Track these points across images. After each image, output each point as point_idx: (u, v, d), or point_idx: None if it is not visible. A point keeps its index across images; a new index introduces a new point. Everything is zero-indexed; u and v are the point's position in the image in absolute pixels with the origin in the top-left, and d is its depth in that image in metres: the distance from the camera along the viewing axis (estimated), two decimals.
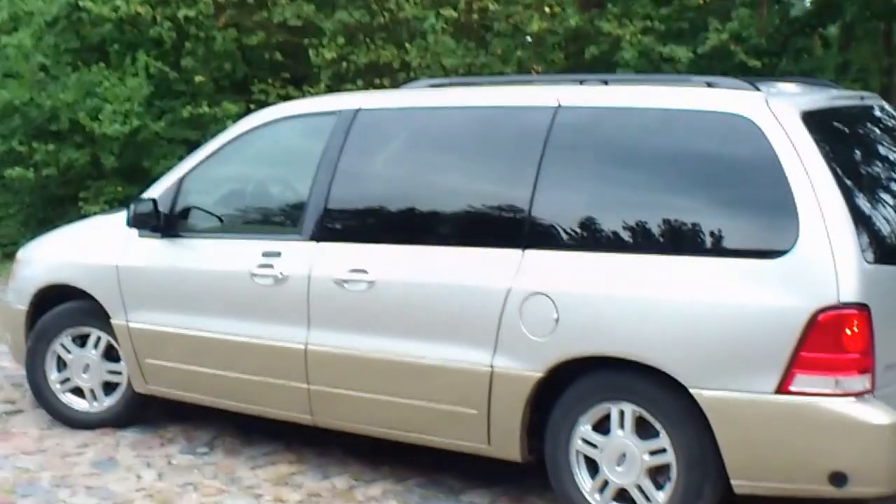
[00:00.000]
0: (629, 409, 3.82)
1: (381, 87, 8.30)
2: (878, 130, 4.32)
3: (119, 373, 5.17)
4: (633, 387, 3.81)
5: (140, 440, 5.07)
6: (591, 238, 3.94)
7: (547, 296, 3.91)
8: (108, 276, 5.03)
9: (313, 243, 4.50)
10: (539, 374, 3.93)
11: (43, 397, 5.30)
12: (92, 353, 5.22)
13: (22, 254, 5.70)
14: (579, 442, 3.93)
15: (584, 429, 3.91)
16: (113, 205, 8.36)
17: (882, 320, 3.51)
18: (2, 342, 6.16)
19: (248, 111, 8.35)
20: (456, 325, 4.10)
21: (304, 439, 4.85)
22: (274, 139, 4.99)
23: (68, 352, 5.24)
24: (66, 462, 4.81)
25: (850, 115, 4.25)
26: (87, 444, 5.02)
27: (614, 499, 3.88)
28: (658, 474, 3.80)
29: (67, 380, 5.26)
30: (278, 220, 4.95)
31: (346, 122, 4.59)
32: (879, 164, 4.17)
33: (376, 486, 4.50)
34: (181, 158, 8.11)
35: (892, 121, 4.37)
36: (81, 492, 4.47)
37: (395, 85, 7.60)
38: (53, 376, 5.27)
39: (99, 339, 5.19)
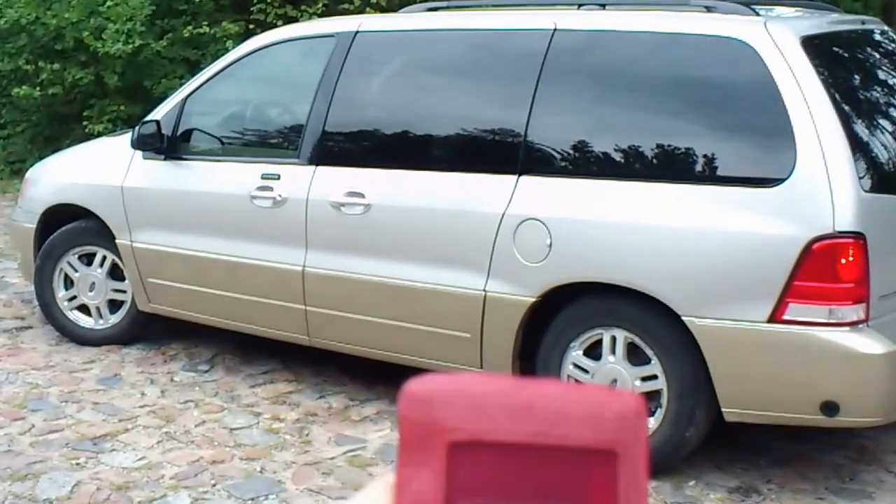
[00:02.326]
0: (621, 336, 3.60)
1: (379, 6, 7.90)
2: (878, 55, 4.01)
3: (124, 291, 4.98)
4: (626, 313, 3.58)
5: (144, 357, 4.91)
6: (585, 164, 3.72)
7: (541, 221, 3.66)
8: (113, 197, 4.82)
9: (311, 167, 4.27)
10: (532, 299, 3.70)
11: (51, 314, 5.12)
12: (98, 272, 5.03)
13: (30, 174, 5.49)
14: (570, 367, 3.71)
15: (576, 354, 3.70)
16: (116, 123, 8.13)
17: (878, 250, 3.26)
18: (11, 259, 5.99)
19: (247, 30, 8.02)
20: (450, 249, 3.88)
21: (301, 359, 4.68)
22: (273, 62, 4.76)
23: (75, 270, 5.05)
24: (74, 378, 4.66)
25: (851, 39, 3.95)
26: (94, 361, 4.86)
27: None
28: (649, 400, 3.58)
29: (74, 297, 5.07)
30: (277, 143, 4.75)
31: (345, 45, 4.34)
32: (879, 91, 3.88)
33: (371, 405, 4.33)
34: (181, 78, 7.89)
35: (893, 45, 4.04)
36: (88, 407, 4.34)
37: (394, 5, 7.23)
38: (61, 294, 5.09)
39: (104, 258, 5.00)
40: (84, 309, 5.07)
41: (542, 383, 0.37)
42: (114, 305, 5.03)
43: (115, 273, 4.99)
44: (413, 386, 0.37)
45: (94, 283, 5.03)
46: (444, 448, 0.36)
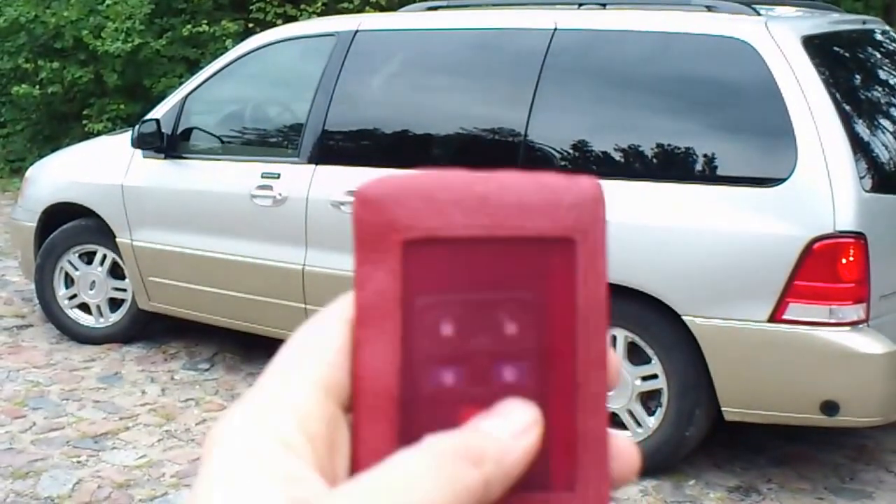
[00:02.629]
0: (621, 335, 3.58)
1: (379, 5, 7.88)
2: (878, 55, 4.00)
3: (124, 290, 4.96)
4: (626, 313, 3.56)
5: (144, 355, 4.90)
6: (585, 163, 3.71)
7: None
8: (113, 196, 4.80)
9: (311, 165, 4.25)
10: None
11: (51, 312, 5.10)
12: (98, 271, 5.01)
13: (30, 172, 5.47)
14: None
15: None
16: (116, 122, 8.11)
17: (878, 250, 3.25)
18: (12, 258, 5.97)
19: (246, 29, 8.00)
20: None
21: None
22: (273, 61, 4.75)
23: (75, 269, 5.03)
24: (74, 376, 4.65)
25: (851, 39, 3.93)
26: (94, 359, 4.84)
27: None
28: (649, 400, 3.58)
29: (75, 296, 5.05)
30: (277, 142, 4.73)
31: (345, 44, 4.32)
32: (880, 90, 3.86)
33: None
34: (181, 77, 7.87)
35: (894, 45, 4.03)
36: (89, 405, 4.32)
37: (394, 4, 7.21)
38: (61, 292, 5.07)
39: (105, 256, 4.98)
40: (84, 307, 5.05)
41: (496, 175, 0.36)
42: (114, 304, 5.01)
43: (116, 272, 4.97)
44: (366, 187, 0.36)
45: (94, 282, 5.02)
46: (399, 247, 0.35)
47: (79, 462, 3.76)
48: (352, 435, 0.35)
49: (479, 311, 0.35)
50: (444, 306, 0.35)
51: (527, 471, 0.34)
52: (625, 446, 0.36)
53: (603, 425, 0.35)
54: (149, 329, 5.04)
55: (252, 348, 4.83)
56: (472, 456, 0.33)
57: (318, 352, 0.35)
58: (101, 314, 5.03)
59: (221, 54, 5.28)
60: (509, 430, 0.34)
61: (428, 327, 0.35)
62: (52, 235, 5.05)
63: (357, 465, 0.34)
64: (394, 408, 0.34)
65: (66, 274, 5.05)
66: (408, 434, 0.34)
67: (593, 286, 0.35)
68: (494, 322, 0.35)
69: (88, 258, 5.02)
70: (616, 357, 0.37)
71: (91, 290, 5.02)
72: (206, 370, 4.73)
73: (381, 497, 0.31)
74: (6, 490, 3.52)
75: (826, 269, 3.20)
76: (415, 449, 0.33)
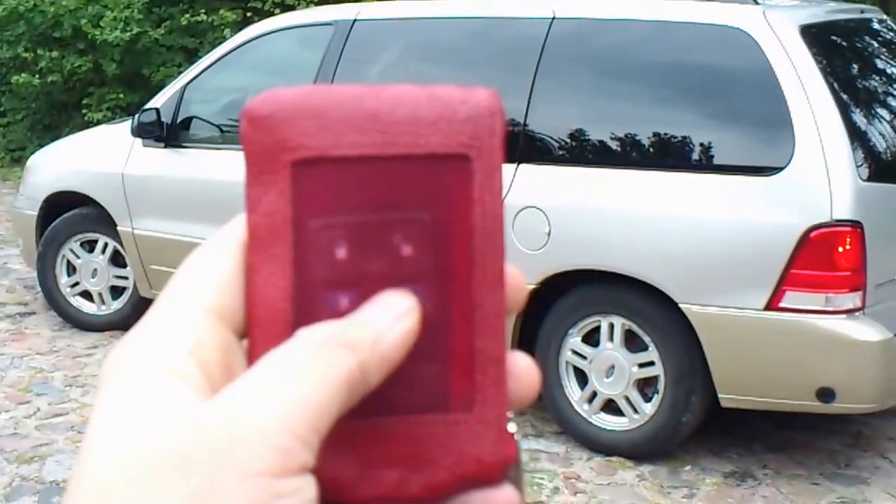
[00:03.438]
0: (619, 323, 3.58)
1: None
2: (876, 44, 3.98)
3: (126, 278, 4.96)
4: (624, 300, 3.56)
5: None
6: (584, 152, 3.70)
7: (540, 209, 3.63)
8: (114, 184, 4.79)
9: None
10: (531, 286, 3.68)
11: (54, 300, 5.09)
12: (99, 259, 5.00)
13: (31, 161, 5.46)
14: (569, 353, 3.70)
15: (574, 340, 3.68)
16: (115, 111, 8.08)
17: (875, 238, 3.24)
18: (14, 246, 5.96)
19: (244, 19, 7.96)
20: None
21: None
22: (272, 50, 4.73)
23: (77, 257, 5.03)
24: (77, 362, 4.65)
25: (849, 28, 3.91)
26: (97, 346, 4.85)
27: (602, 409, 3.68)
28: (646, 386, 3.58)
29: (77, 283, 5.05)
30: None
31: (343, 33, 4.30)
32: (877, 79, 3.85)
33: None
34: (179, 66, 7.84)
35: (891, 34, 4.01)
36: (92, 391, 4.33)
37: None
38: (63, 280, 5.06)
39: (106, 244, 4.97)
40: (86, 295, 5.04)
41: (389, 88, 0.35)
42: (116, 292, 5.01)
43: (117, 260, 4.96)
44: (253, 104, 0.34)
45: (96, 270, 5.01)
46: (289, 167, 0.34)
47: None
48: (247, 360, 0.34)
49: (373, 232, 0.34)
50: (337, 228, 0.34)
51: (425, 393, 0.34)
52: (524, 367, 0.35)
53: (501, 346, 0.34)
54: None
55: None
56: (346, 342, 0.32)
57: (209, 277, 0.34)
58: (102, 302, 5.03)
59: (220, 43, 5.26)
60: (384, 316, 0.33)
61: (321, 250, 0.34)
62: (53, 224, 5.04)
63: None
64: (289, 332, 0.33)
65: (68, 262, 5.04)
66: None
67: (490, 204, 0.34)
68: (389, 244, 0.34)
69: (90, 246, 5.01)
70: (519, 276, 0.35)
71: (93, 277, 5.02)
72: None
73: (259, 394, 0.31)
74: (12, 474, 3.52)
75: (823, 257, 3.20)
76: (290, 342, 0.32)
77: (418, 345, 0.34)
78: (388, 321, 0.33)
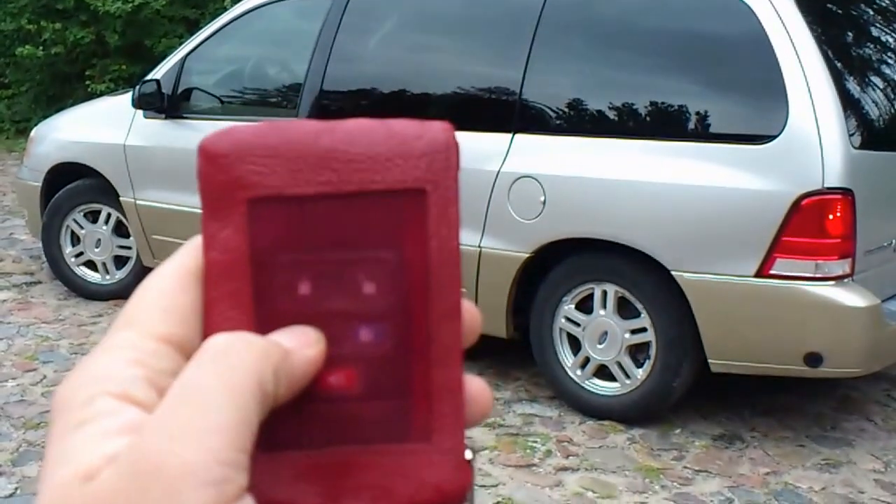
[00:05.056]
0: (612, 290, 3.59)
1: None
2: (871, 12, 3.93)
3: (129, 248, 4.98)
4: (617, 268, 3.57)
5: None
6: (579, 122, 3.68)
7: (535, 179, 3.63)
8: (116, 155, 4.79)
9: None
10: (525, 255, 3.69)
11: (59, 270, 5.12)
12: (103, 229, 5.02)
13: (35, 132, 5.45)
14: (563, 320, 3.71)
15: (568, 308, 3.69)
16: (118, 83, 8.07)
17: (865, 205, 3.23)
18: (19, 217, 5.98)
19: None
20: None
21: None
22: (271, 20, 4.69)
23: (81, 227, 5.05)
24: (83, 331, 4.68)
25: None
26: (102, 315, 4.87)
27: (595, 374, 3.70)
28: (638, 352, 3.60)
29: (81, 253, 5.07)
30: (276, 100, 4.70)
31: (342, 2, 4.28)
32: (871, 48, 3.81)
33: None
34: (181, 37, 7.81)
35: (886, 2, 3.96)
36: None
37: None
38: (68, 250, 5.08)
39: (109, 215, 4.99)
40: (91, 265, 5.07)
41: (344, 124, 0.35)
42: (120, 261, 5.03)
43: (120, 230, 4.98)
44: (209, 141, 0.34)
45: (99, 240, 5.03)
46: (245, 205, 0.34)
47: None
48: None
49: (330, 269, 0.34)
50: (294, 265, 0.34)
51: (385, 423, 0.34)
52: (479, 392, 0.36)
53: (458, 376, 0.35)
54: None
55: None
56: (257, 348, 0.32)
57: (160, 307, 0.34)
58: (107, 271, 5.05)
59: (221, 14, 5.23)
60: (294, 341, 0.33)
61: (280, 287, 0.34)
62: (57, 195, 5.05)
63: None
64: None
65: (72, 232, 5.06)
66: None
67: (445, 237, 0.34)
68: (346, 280, 0.34)
69: (93, 217, 5.03)
70: (473, 309, 0.36)
71: (97, 248, 5.04)
72: None
73: (176, 431, 0.30)
74: (19, 440, 3.56)
75: (813, 224, 3.19)
76: (195, 357, 0.32)
77: (378, 376, 0.34)
78: (298, 345, 0.33)
